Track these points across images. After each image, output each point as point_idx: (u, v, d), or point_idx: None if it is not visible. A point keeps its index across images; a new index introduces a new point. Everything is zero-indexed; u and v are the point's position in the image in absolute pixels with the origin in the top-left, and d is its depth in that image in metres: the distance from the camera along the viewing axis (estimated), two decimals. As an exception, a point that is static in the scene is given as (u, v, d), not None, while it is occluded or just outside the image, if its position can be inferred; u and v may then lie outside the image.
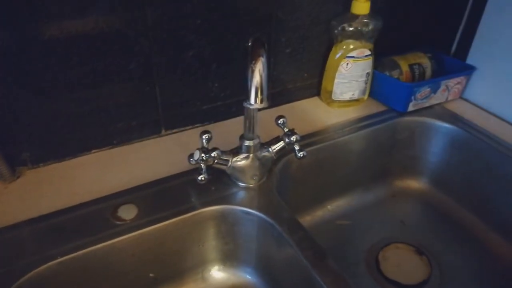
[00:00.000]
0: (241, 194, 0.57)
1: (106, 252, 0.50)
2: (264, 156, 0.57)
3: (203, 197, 0.56)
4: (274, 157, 0.58)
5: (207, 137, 0.54)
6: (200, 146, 0.54)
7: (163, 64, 0.62)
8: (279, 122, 0.58)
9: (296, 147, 0.58)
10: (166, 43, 0.60)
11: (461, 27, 0.84)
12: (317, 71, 0.78)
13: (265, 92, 0.36)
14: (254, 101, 0.36)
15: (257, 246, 0.57)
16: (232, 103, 0.72)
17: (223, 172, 0.59)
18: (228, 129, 0.70)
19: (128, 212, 0.53)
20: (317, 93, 0.81)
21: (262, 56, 0.36)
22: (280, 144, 0.58)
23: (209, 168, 0.54)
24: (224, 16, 0.62)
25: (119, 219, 0.52)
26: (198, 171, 0.54)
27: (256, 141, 0.55)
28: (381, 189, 0.81)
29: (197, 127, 0.71)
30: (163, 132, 0.68)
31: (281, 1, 0.66)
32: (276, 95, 0.76)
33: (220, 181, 0.59)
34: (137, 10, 0.56)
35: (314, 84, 0.80)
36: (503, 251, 0.69)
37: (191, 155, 0.54)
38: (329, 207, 0.76)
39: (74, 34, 0.53)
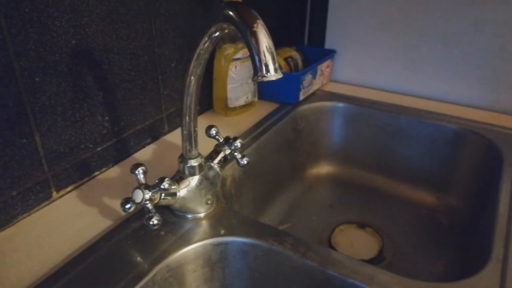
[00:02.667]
0: (201, 226, 0.47)
1: None
2: (210, 173, 0.48)
3: (157, 248, 0.43)
4: (220, 172, 0.50)
5: (142, 170, 0.42)
6: (137, 185, 0.42)
7: (40, 103, 0.46)
8: (211, 133, 0.51)
9: (238, 155, 0.51)
10: (40, 78, 0.45)
11: (307, 20, 0.92)
12: (204, 83, 0.73)
13: (276, 59, 0.28)
14: (266, 71, 0.28)
15: (247, 276, 0.47)
16: (129, 136, 0.60)
17: (166, 209, 0.47)
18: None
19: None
20: (209, 107, 0.76)
21: (258, 17, 0.29)
22: (221, 155, 0.50)
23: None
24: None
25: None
26: (146, 215, 0.42)
27: (202, 158, 0.46)
28: (299, 184, 0.80)
29: (96, 176, 0.56)
30: (54, 195, 0.51)
31: (157, 12, 0.59)
32: (171, 117, 0.67)
33: (165, 222, 0.47)
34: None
35: (204, 97, 0.74)
36: (418, 196, 0.77)
37: (128, 200, 0.42)
38: (266, 219, 0.70)
39: None
